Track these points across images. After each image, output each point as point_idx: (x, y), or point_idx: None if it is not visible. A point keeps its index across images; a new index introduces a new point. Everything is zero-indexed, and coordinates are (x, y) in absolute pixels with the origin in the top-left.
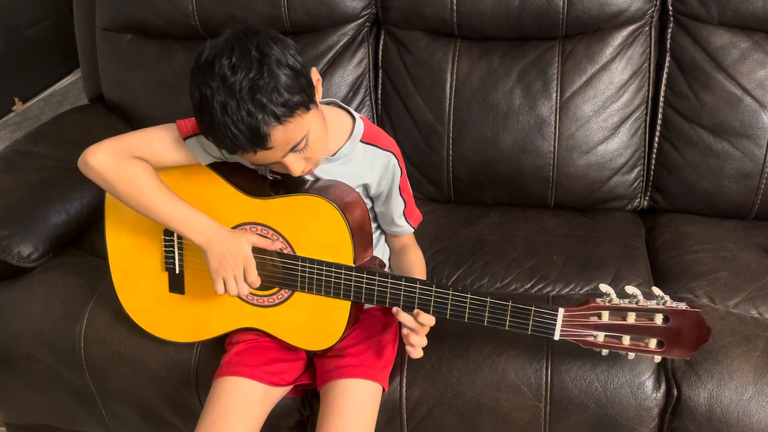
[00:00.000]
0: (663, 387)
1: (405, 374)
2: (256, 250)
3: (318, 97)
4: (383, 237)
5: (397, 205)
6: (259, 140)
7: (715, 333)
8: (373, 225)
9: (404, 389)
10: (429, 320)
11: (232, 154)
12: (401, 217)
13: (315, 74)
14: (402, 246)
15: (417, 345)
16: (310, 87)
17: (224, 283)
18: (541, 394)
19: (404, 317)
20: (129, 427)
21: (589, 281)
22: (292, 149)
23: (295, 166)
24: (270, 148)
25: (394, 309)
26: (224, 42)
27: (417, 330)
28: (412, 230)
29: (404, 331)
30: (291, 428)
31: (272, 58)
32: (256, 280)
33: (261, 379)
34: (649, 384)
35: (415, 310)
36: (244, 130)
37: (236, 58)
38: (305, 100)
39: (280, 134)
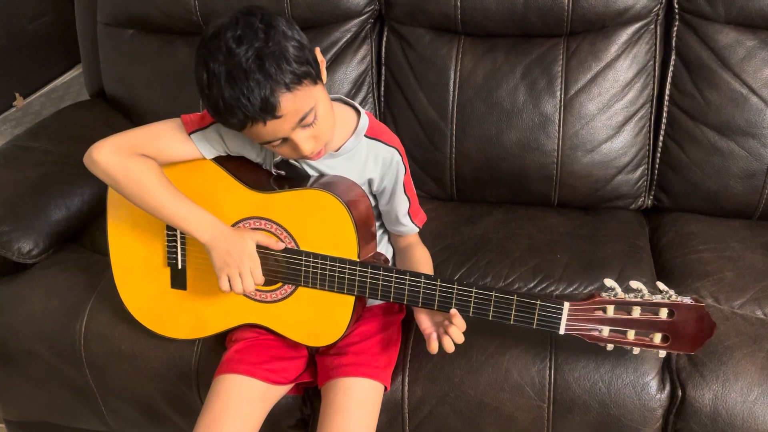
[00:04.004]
0: (667, 388)
1: (407, 373)
2: (260, 248)
3: (323, 76)
4: (386, 236)
5: (402, 204)
6: (269, 108)
7: (720, 334)
8: (377, 223)
9: (406, 388)
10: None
11: (240, 131)
12: (406, 216)
13: (319, 54)
14: (408, 244)
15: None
16: (315, 62)
17: (229, 281)
18: (545, 394)
19: (459, 321)
20: (129, 424)
21: (592, 280)
22: (301, 122)
23: (305, 143)
24: (279, 117)
25: (453, 311)
26: (229, 18)
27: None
28: (417, 230)
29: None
30: (292, 427)
31: (278, 30)
32: (261, 277)
33: (261, 377)
34: (654, 384)
35: (452, 310)
36: (254, 100)
37: (241, 30)
38: (312, 72)
39: (289, 102)
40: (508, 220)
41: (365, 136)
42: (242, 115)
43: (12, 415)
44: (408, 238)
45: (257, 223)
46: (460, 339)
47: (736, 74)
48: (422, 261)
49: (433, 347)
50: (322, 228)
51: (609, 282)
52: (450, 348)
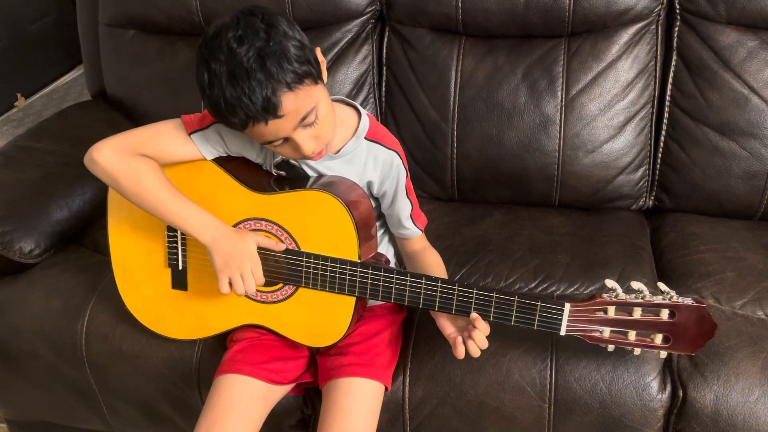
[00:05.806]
0: (668, 388)
1: (408, 373)
2: (261, 249)
3: (324, 77)
4: (387, 236)
5: (405, 207)
6: (271, 108)
7: (722, 334)
8: (377, 223)
9: (407, 389)
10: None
11: (242, 130)
12: (408, 219)
13: (320, 54)
14: (418, 249)
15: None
16: (316, 62)
17: (230, 282)
18: (546, 394)
19: (481, 324)
20: (130, 424)
21: (593, 281)
22: (302, 121)
23: (306, 143)
24: (281, 116)
25: (473, 315)
26: (230, 18)
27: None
28: (420, 233)
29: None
30: (293, 427)
31: (279, 30)
32: (262, 278)
33: (262, 377)
34: (655, 385)
35: (473, 314)
36: (256, 99)
37: (242, 30)
38: (313, 72)
39: (291, 102)
40: (509, 221)
41: (365, 138)
42: (244, 114)
43: (13, 415)
44: (416, 243)
45: (258, 224)
46: (484, 344)
47: (737, 75)
48: (434, 265)
49: (460, 352)
50: (323, 229)
51: (610, 283)
52: (475, 353)
